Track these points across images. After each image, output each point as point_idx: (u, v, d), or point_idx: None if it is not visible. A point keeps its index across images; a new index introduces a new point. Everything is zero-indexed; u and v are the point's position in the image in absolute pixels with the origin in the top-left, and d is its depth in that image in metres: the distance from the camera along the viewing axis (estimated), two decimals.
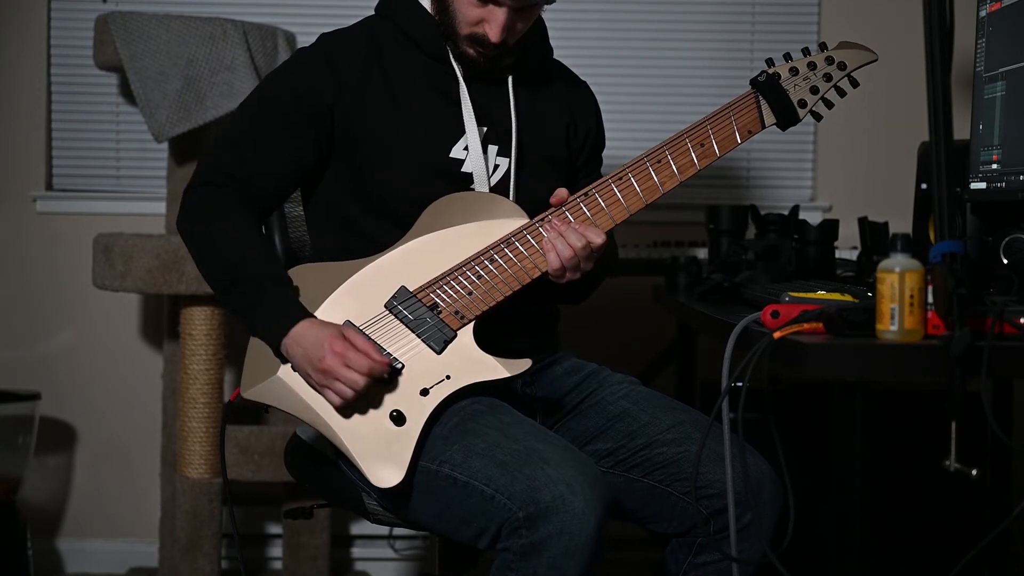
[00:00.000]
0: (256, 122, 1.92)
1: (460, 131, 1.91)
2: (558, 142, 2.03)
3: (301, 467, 2.00)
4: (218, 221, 1.86)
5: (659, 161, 1.85)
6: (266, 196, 1.92)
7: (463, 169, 1.91)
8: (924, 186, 2.35)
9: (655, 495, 1.88)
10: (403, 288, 1.83)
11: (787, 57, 1.89)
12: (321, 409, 1.79)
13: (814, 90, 1.87)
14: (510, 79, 1.97)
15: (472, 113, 1.91)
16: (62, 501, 3.31)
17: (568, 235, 1.80)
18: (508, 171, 1.94)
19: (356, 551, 3.31)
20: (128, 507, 3.30)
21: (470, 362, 1.80)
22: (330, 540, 3.10)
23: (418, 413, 1.77)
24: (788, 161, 3.36)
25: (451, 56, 1.93)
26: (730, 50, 3.32)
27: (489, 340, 1.86)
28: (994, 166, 2.06)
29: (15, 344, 3.29)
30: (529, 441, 1.72)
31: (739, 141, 1.86)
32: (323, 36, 1.97)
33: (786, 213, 2.45)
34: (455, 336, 1.81)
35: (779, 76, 1.87)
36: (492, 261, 1.83)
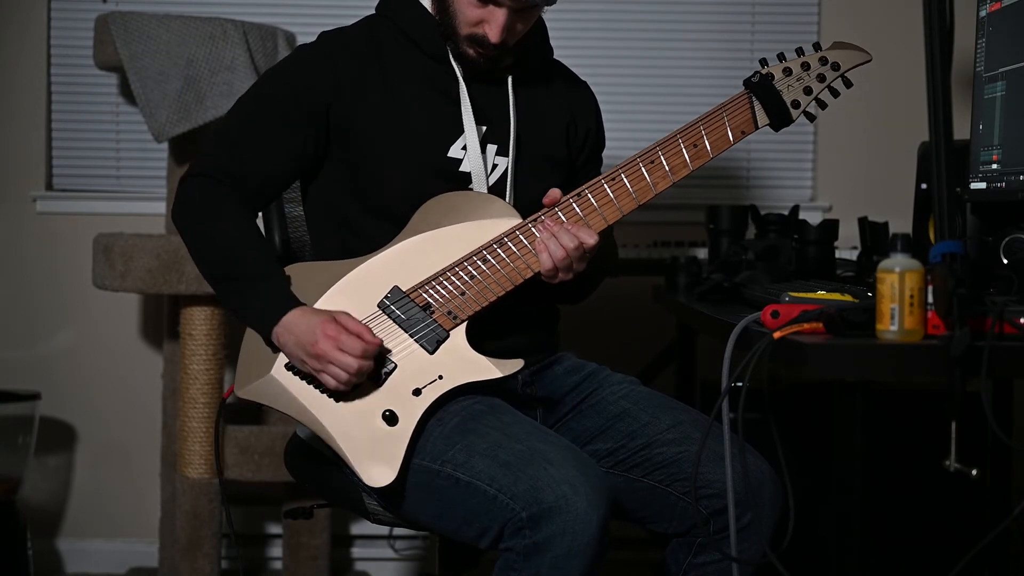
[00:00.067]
0: (253, 117, 1.93)
1: (459, 130, 1.91)
2: (557, 142, 2.03)
3: (301, 467, 2.00)
4: (213, 213, 1.87)
5: (652, 161, 1.85)
6: (260, 191, 1.93)
7: (461, 168, 1.91)
8: (924, 186, 2.35)
9: (655, 495, 1.88)
10: (396, 288, 1.83)
11: (781, 57, 1.88)
12: (314, 409, 1.80)
13: (807, 90, 1.87)
14: (510, 79, 1.97)
15: (471, 112, 1.91)
16: (62, 501, 3.31)
17: (561, 236, 1.80)
18: (507, 171, 1.94)
19: (356, 551, 3.31)
20: (128, 507, 3.30)
21: (463, 362, 1.81)
22: (330, 540, 3.10)
23: (410, 413, 1.78)
24: (788, 161, 3.36)
25: (451, 56, 1.93)
26: (730, 50, 3.32)
27: (489, 339, 1.87)
28: (994, 166, 2.06)
29: (15, 344, 3.29)
30: (531, 441, 1.72)
31: (732, 141, 1.86)
32: (323, 34, 1.98)
33: (786, 213, 2.45)
34: (448, 336, 1.81)
35: (772, 76, 1.87)
36: (485, 261, 1.83)
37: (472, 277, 1.83)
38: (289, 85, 1.93)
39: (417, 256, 1.84)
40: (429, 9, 1.94)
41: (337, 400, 1.80)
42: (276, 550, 3.27)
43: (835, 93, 1.90)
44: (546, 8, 1.92)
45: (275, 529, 3.28)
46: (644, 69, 3.32)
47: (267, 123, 1.91)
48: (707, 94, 3.26)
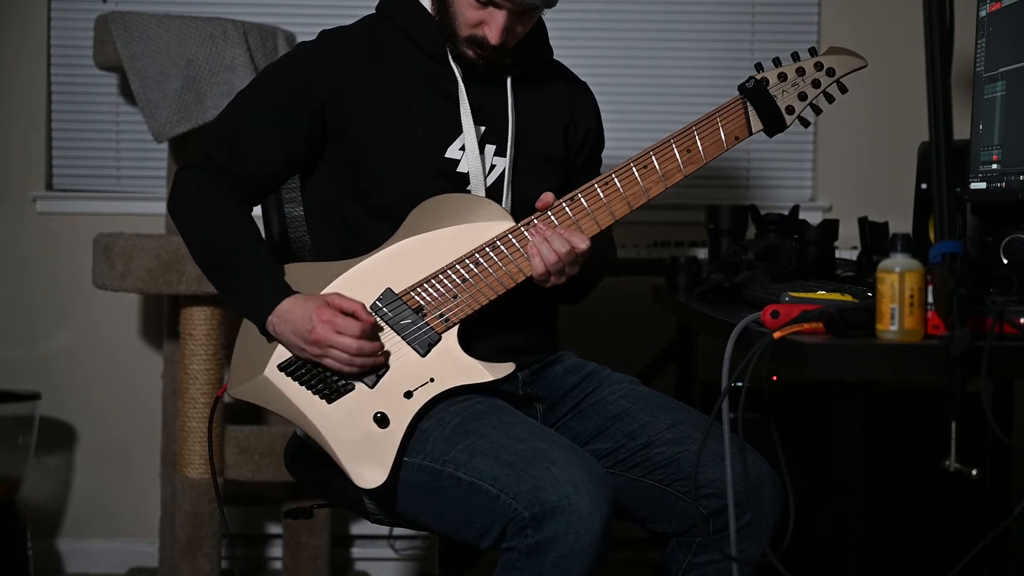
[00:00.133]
0: (250, 113, 1.94)
1: (457, 131, 1.91)
2: (556, 142, 2.03)
3: (301, 467, 2.00)
4: (208, 205, 1.89)
5: (645, 166, 1.85)
6: (255, 185, 1.95)
7: (459, 169, 1.91)
8: (924, 186, 2.35)
9: (655, 495, 1.88)
10: (388, 290, 1.84)
11: (776, 62, 1.87)
12: (306, 410, 1.82)
13: (802, 96, 1.86)
14: (509, 79, 1.97)
15: (469, 113, 1.91)
16: (62, 501, 3.31)
17: (553, 240, 1.80)
18: (505, 171, 1.94)
19: (356, 551, 3.31)
20: (128, 507, 3.30)
21: (454, 365, 1.82)
22: (330, 540, 3.10)
23: (402, 415, 1.79)
24: (788, 161, 3.36)
25: (450, 57, 1.93)
26: (730, 50, 3.32)
27: (489, 338, 1.87)
28: (994, 166, 2.06)
29: (15, 344, 3.29)
30: (533, 441, 1.73)
31: (726, 147, 1.86)
32: (323, 33, 1.98)
33: (786, 213, 2.45)
34: (439, 339, 1.82)
35: (767, 82, 1.86)
36: (477, 264, 1.83)
37: (464, 280, 1.83)
38: (287, 82, 1.93)
39: (410, 258, 1.85)
40: (429, 10, 1.94)
41: (329, 401, 1.81)
42: (276, 550, 3.27)
43: (830, 99, 1.89)
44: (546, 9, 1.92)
45: (275, 529, 3.28)
46: (644, 69, 3.32)
47: (264, 119, 1.92)
48: (707, 94, 3.26)
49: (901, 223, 2.39)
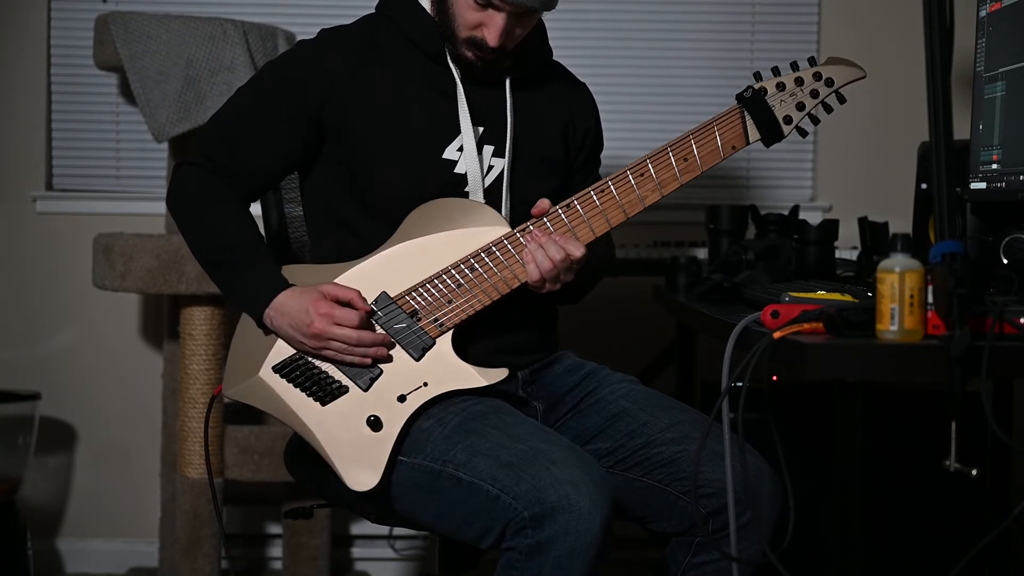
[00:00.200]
0: (250, 112, 1.94)
1: (455, 132, 1.91)
2: (555, 143, 2.03)
3: (301, 467, 2.00)
4: (206, 201, 1.90)
5: (641, 174, 1.85)
6: (255, 184, 1.96)
7: (456, 170, 1.91)
8: (924, 186, 2.35)
9: (654, 494, 1.88)
10: (384, 293, 1.84)
11: (775, 71, 1.87)
12: (300, 411, 1.83)
13: (800, 106, 1.85)
14: (508, 80, 1.96)
15: (467, 114, 1.91)
16: (62, 501, 3.31)
17: (548, 247, 1.80)
18: (503, 172, 1.94)
19: (356, 551, 3.31)
20: (128, 507, 3.30)
21: (448, 370, 1.82)
22: (330, 540, 3.10)
23: (395, 419, 1.80)
24: (788, 161, 3.36)
25: (448, 57, 1.93)
26: (730, 50, 3.32)
27: (488, 338, 1.88)
28: (994, 166, 2.06)
29: (15, 344, 3.29)
30: (533, 441, 1.73)
31: (723, 156, 1.85)
32: (322, 32, 1.98)
33: (786, 213, 2.45)
34: (433, 343, 1.83)
35: (765, 91, 1.85)
36: (472, 270, 1.83)
37: (459, 285, 1.83)
38: (286, 81, 1.93)
39: (405, 262, 1.85)
40: (428, 10, 1.94)
41: (323, 404, 1.82)
42: (276, 550, 3.27)
43: (828, 109, 1.89)
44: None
45: (275, 529, 3.28)
46: (644, 70, 3.32)
47: (262, 117, 1.92)
48: (707, 94, 3.26)
49: (901, 223, 2.39)
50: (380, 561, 3.30)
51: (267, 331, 1.85)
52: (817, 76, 1.86)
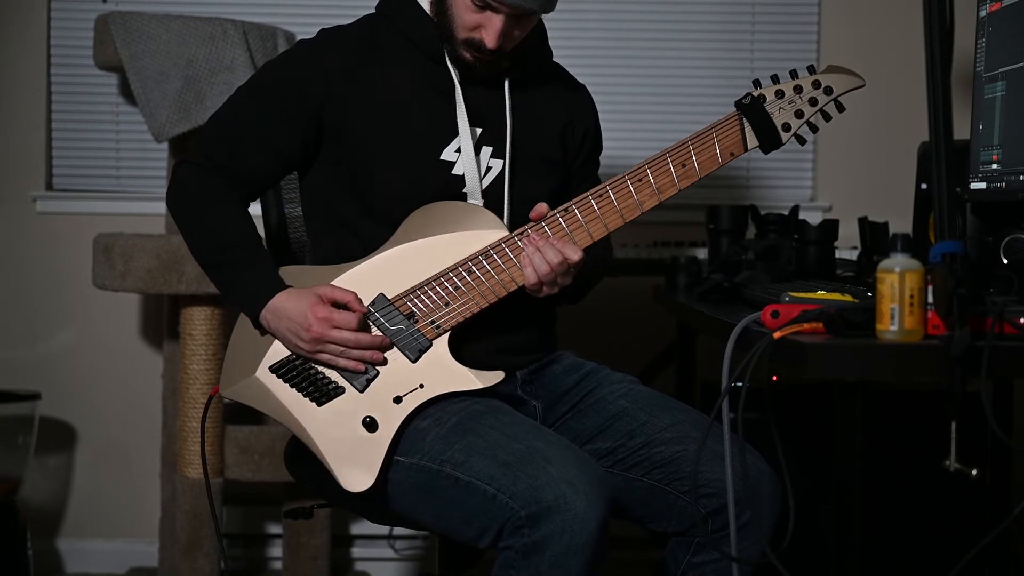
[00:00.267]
0: (250, 112, 1.94)
1: (453, 133, 1.91)
2: (554, 144, 2.02)
3: (301, 467, 2.00)
4: (205, 201, 1.90)
5: (640, 179, 1.85)
6: (254, 184, 1.96)
7: (454, 171, 1.91)
8: (924, 186, 2.35)
9: (654, 494, 1.88)
10: (381, 295, 1.84)
11: (774, 79, 1.88)
12: (296, 412, 1.83)
13: (799, 114, 1.86)
14: (507, 81, 1.96)
15: (465, 115, 1.91)
16: (62, 501, 3.31)
17: (546, 251, 1.81)
18: (502, 173, 1.94)
19: (356, 551, 3.31)
20: (128, 507, 3.30)
21: (444, 372, 1.82)
22: (330, 540, 3.10)
23: (390, 420, 1.80)
24: (788, 161, 3.36)
25: (447, 58, 1.93)
26: (730, 50, 3.32)
27: (486, 338, 1.88)
28: (994, 166, 2.06)
29: (15, 344, 3.29)
30: (530, 440, 1.73)
31: (721, 163, 1.86)
32: (322, 31, 1.98)
33: (786, 213, 2.45)
34: (430, 346, 1.83)
35: (764, 99, 1.86)
36: (470, 273, 1.84)
37: (457, 288, 1.84)
38: (285, 81, 1.93)
39: (403, 265, 1.85)
40: (428, 11, 1.94)
41: (319, 404, 1.82)
42: (276, 550, 3.27)
43: (827, 117, 1.90)
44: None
45: (275, 529, 3.28)
46: (644, 70, 3.32)
47: (260, 117, 1.92)
48: (707, 95, 3.26)
49: (901, 223, 2.39)
50: (380, 561, 3.30)
51: (263, 331, 1.85)
52: (816, 84, 1.87)
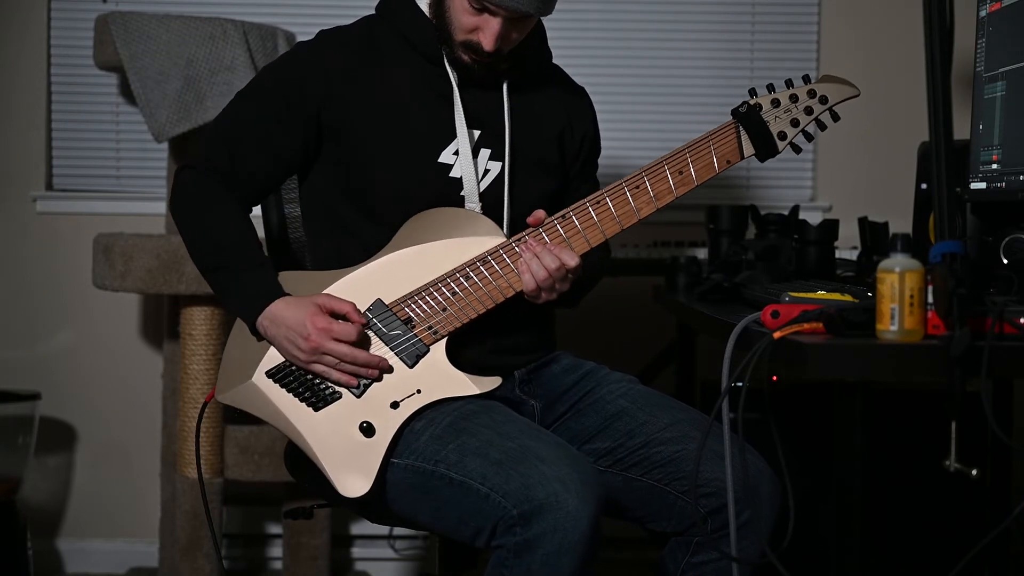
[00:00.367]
0: (250, 115, 1.94)
1: (451, 135, 1.91)
2: (552, 147, 2.02)
3: (301, 467, 2.00)
4: (205, 205, 1.90)
5: (637, 186, 1.86)
6: (255, 187, 1.95)
7: (452, 174, 1.91)
8: (924, 186, 2.35)
9: (653, 494, 1.88)
10: (379, 301, 1.84)
11: (770, 88, 1.89)
12: (292, 417, 1.83)
13: (794, 123, 1.88)
14: (505, 83, 1.96)
15: (463, 117, 1.91)
16: (62, 501, 3.31)
17: (543, 256, 1.81)
18: (501, 175, 1.94)
19: (356, 551, 3.31)
20: (128, 507, 3.30)
21: (441, 378, 1.82)
22: (330, 540, 3.10)
23: (387, 425, 1.80)
24: (788, 161, 3.35)
25: (445, 60, 1.93)
26: (730, 50, 3.32)
27: (485, 339, 1.88)
28: (994, 166, 2.06)
29: (15, 344, 3.29)
30: (523, 439, 1.73)
31: (717, 170, 1.87)
32: (321, 33, 1.98)
33: (786, 213, 2.45)
34: (427, 351, 1.83)
35: (760, 107, 1.87)
36: (467, 278, 1.84)
37: (454, 294, 1.84)
38: (284, 83, 1.93)
39: (401, 270, 1.85)
40: (426, 12, 1.94)
41: (316, 409, 1.82)
42: (276, 550, 3.27)
43: (822, 126, 1.92)
44: None
45: (275, 529, 3.28)
46: (644, 70, 3.32)
47: (261, 120, 1.92)
48: (707, 95, 3.26)
49: (901, 223, 2.39)
50: (380, 561, 3.30)
51: (260, 338, 1.85)
52: (811, 93, 1.89)
